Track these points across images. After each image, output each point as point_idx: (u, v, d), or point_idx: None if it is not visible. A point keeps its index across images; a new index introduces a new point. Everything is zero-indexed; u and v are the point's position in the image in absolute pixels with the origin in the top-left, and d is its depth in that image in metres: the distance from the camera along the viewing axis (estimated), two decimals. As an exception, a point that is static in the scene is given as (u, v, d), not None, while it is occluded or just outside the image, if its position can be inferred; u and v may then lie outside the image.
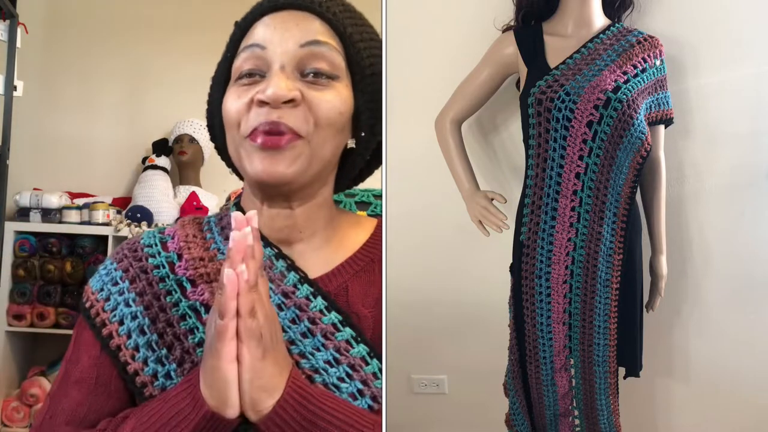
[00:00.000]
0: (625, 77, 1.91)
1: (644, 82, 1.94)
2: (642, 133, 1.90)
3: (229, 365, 0.88)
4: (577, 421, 2.17)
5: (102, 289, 1.10)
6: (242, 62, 1.02)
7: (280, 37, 1.00)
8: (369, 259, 1.14)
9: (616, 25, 2.00)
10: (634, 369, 2.09)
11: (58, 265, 3.27)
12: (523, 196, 2.03)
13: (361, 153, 1.12)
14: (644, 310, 2.11)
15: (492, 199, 2.08)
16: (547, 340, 2.04)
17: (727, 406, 2.34)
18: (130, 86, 3.74)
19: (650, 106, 1.99)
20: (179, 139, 3.59)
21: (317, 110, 1.00)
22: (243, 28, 1.05)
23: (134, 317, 1.06)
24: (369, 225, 1.20)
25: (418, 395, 2.52)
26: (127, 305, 1.07)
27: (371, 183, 1.31)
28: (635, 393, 2.25)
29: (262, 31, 1.02)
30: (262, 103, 0.98)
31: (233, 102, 1.02)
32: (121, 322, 1.07)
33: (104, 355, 1.07)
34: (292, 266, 1.08)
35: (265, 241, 1.09)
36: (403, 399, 2.52)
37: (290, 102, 0.98)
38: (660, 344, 2.29)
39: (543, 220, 1.98)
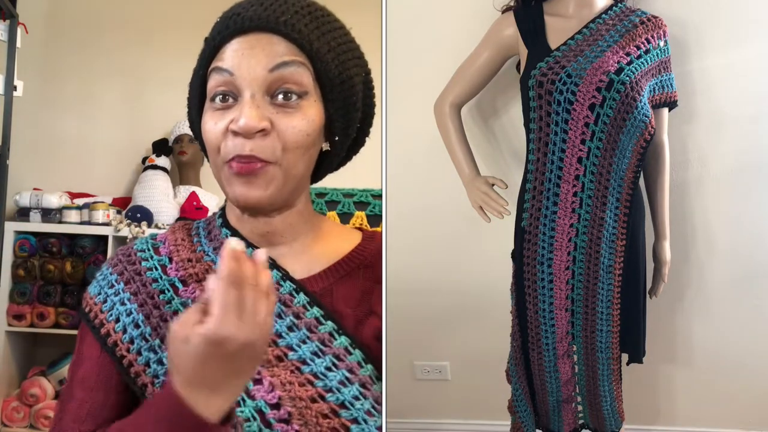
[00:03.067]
0: (628, 58, 1.90)
1: (648, 63, 1.93)
2: (645, 116, 1.89)
3: None
4: (579, 408, 2.16)
5: (99, 293, 1.17)
6: (214, 84, 1.07)
7: (248, 64, 1.04)
8: (355, 265, 1.19)
9: (619, 4, 1.99)
10: (637, 355, 2.08)
11: (58, 265, 3.25)
12: (524, 181, 2.02)
13: (337, 153, 1.17)
14: (647, 296, 2.10)
15: (493, 185, 2.08)
16: (549, 327, 2.03)
17: (730, 392, 2.34)
18: (130, 86, 3.72)
19: (654, 89, 1.98)
20: (179, 139, 3.59)
21: (285, 137, 1.05)
22: (212, 47, 1.08)
23: (129, 314, 1.12)
24: (355, 237, 1.24)
25: (421, 381, 2.52)
26: (123, 304, 1.14)
27: (371, 182, 1.31)
28: (638, 379, 2.24)
29: (230, 57, 1.05)
30: (236, 133, 1.04)
31: (211, 127, 1.07)
32: (117, 320, 1.13)
33: (104, 353, 1.12)
34: (274, 265, 1.13)
35: (246, 242, 1.14)
36: (406, 385, 2.52)
37: (261, 131, 1.04)
38: (663, 330, 2.29)
39: (545, 206, 1.97)
